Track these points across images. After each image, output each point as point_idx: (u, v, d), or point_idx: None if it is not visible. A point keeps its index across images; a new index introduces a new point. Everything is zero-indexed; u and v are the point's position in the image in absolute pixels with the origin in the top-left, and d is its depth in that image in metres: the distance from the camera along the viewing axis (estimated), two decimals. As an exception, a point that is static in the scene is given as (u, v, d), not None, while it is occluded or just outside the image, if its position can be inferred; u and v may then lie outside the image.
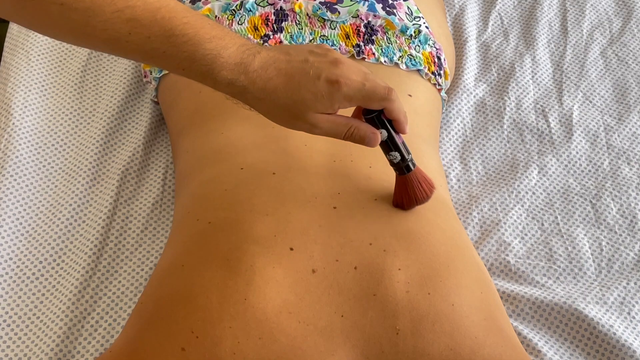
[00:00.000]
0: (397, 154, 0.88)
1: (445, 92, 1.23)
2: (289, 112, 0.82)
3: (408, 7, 1.17)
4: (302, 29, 1.13)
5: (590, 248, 1.12)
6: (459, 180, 1.21)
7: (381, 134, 0.86)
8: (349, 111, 0.86)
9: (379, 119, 0.85)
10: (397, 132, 0.87)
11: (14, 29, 1.36)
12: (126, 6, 0.77)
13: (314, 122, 0.82)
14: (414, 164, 0.89)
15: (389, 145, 0.87)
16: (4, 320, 1.00)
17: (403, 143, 0.88)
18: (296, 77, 0.81)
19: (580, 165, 1.23)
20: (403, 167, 0.89)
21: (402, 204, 0.91)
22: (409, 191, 0.89)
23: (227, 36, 0.81)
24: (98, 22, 0.76)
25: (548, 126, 1.28)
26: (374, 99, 0.83)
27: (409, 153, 0.88)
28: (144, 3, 0.78)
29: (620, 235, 1.14)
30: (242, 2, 1.13)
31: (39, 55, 1.30)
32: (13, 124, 1.20)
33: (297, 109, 0.81)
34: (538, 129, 1.27)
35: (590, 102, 1.32)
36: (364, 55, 1.11)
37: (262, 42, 1.11)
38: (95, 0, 0.75)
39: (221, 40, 0.80)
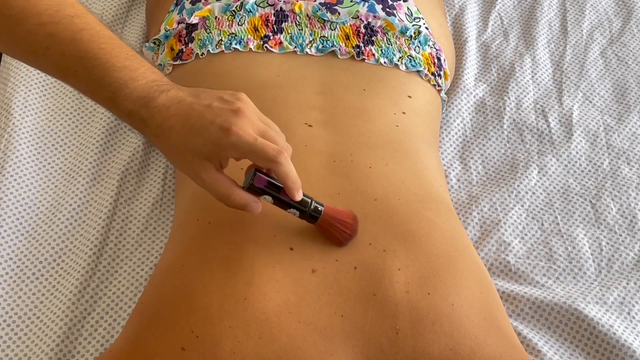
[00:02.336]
0: (293, 210, 0.84)
1: (445, 92, 1.23)
2: (179, 155, 0.82)
3: (408, 8, 1.17)
4: (302, 29, 1.13)
5: (590, 248, 1.12)
6: (459, 180, 1.21)
7: (266, 199, 0.83)
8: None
9: (254, 188, 0.82)
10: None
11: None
12: (51, 21, 0.80)
13: (198, 171, 0.81)
14: (318, 210, 0.84)
15: (280, 205, 0.84)
16: (4, 320, 1.01)
17: (291, 210, 0.84)
18: (192, 120, 0.80)
19: (580, 165, 1.23)
20: (308, 217, 0.85)
21: (336, 243, 0.87)
22: (330, 235, 0.86)
23: (141, 69, 0.82)
24: (21, 31, 0.79)
25: (548, 126, 1.28)
26: (260, 157, 0.80)
27: (307, 203, 0.84)
28: (69, 22, 0.81)
29: (620, 235, 1.14)
30: (242, 3, 1.13)
31: (39, 55, 1.30)
32: (13, 124, 1.20)
33: (188, 154, 0.81)
34: (538, 129, 1.28)
35: (590, 102, 1.32)
36: (363, 56, 1.11)
37: (262, 42, 1.11)
38: (24, 10, 0.78)
39: (132, 72, 0.81)
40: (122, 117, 0.83)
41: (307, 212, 0.84)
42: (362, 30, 1.13)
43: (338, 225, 0.85)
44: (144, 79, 0.82)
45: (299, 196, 0.83)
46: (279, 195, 0.83)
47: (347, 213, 0.86)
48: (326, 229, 0.85)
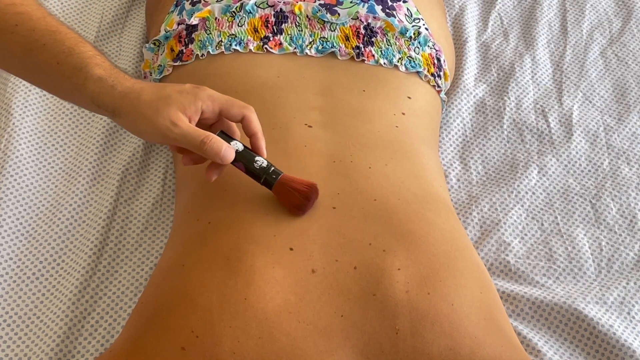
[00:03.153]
0: (260, 159, 0.88)
1: (445, 93, 1.23)
2: (152, 106, 0.85)
3: (407, 9, 1.17)
4: (301, 30, 1.13)
5: (590, 248, 1.12)
6: (459, 180, 1.21)
7: (236, 145, 0.87)
8: None
9: (224, 136, 0.88)
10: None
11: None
12: (21, 3, 0.86)
13: (175, 119, 0.84)
14: (277, 175, 0.88)
15: (245, 156, 0.88)
16: (4, 320, 1.01)
17: (261, 158, 0.88)
18: (163, 84, 0.88)
19: (580, 165, 1.23)
20: (268, 178, 0.88)
21: (292, 211, 0.88)
22: (287, 200, 0.88)
23: (106, 56, 0.90)
24: None
25: (548, 126, 1.28)
26: (235, 105, 0.87)
27: (268, 166, 0.88)
28: (38, 7, 0.88)
29: (620, 235, 1.14)
30: (242, 4, 1.13)
31: (39, 55, 1.30)
32: (13, 124, 1.20)
33: (163, 102, 0.85)
34: (538, 129, 1.28)
35: (590, 102, 1.32)
36: (363, 57, 1.11)
37: (261, 43, 1.11)
38: None
39: (100, 53, 0.89)
40: (88, 83, 0.86)
41: (268, 173, 0.87)
42: (362, 31, 1.13)
43: (293, 192, 0.87)
44: (108, 59, 0.89)
45: (264, 151, 0.89)
46: (247, 148, 0.88)
47: (305, 182, 0.88)
48: (281, 194, 0.88)
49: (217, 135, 0.87)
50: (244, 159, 0.88)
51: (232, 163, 0.88)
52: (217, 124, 0.90)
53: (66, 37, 0.87)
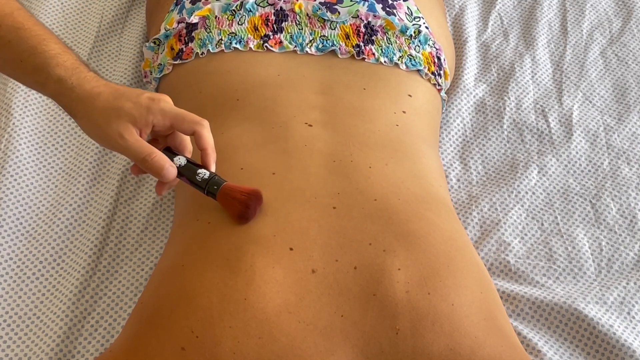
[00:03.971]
0: (203, 170, 0.88)
1: (445, 92, 1.23)
2: (104, 115, 0.85)
3: (408, 8, 1.17)
4: (302, 29, 1.13)
5: (590, 248, 1.12)
6: (459, 180, 1.21)
7: (178, 160, 0.88)
8: None
9: (170, 152, 0.89)
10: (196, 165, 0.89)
11: (14, 29, 1.37)
12: None
13: (122, 131, 0.85)
14: (220, 183, 0.87)
15: (188, 170, 0.88)
16: (4, 320, 1.01)
17: (202, 170, 0.88)
18: (121, 90, 0.88)
19: (580, 165, 1.23)
20: (213, 183, 0.88)
21: (236, 220, 0.88)
22: (231, 205, 0.88)
23: (73, 52, 0.90)
24: None
25: (548, 126, 1.28)
26: (186, 121, 0.87)
27: (212, 177, 0.88)
28: (6, 2, 0.88)
29: (620, 235, 1.14)
30: (242, 3, 1.13)
31: (39, 55, 1.30)
32: (13, 124, 1.20)
33: (114, 113, 0.85)
34: (538, 129, 1.28)
35: (590, 102, 1.32)
36: (363, 56, 1.11)
37: (262, 42, 1.11)
38: None
39: (66, 50, 0.89)
40: (49, 83, 0.87)
41: (211, 183, 0.87)
42: (362, 29, 1.13)
43: (233, 201, 0.87)
44: (76, 59, 0.89)
45: (213, 166, 0.88)
46: (190, 161, 0.89)
47: (245, 190, 0.88)
48: (224, 204, 0.88)
49: (163, 151, 0.88)
50: (187, 173, 0.88)
51: (177, 177, 0.88)
52: (170, 136, 0.90)
53: (30, 35, 0.88)
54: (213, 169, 0.88)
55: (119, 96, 0.86)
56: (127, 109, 0.85)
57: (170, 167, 0.86)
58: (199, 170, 0.88)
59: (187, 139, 0.91)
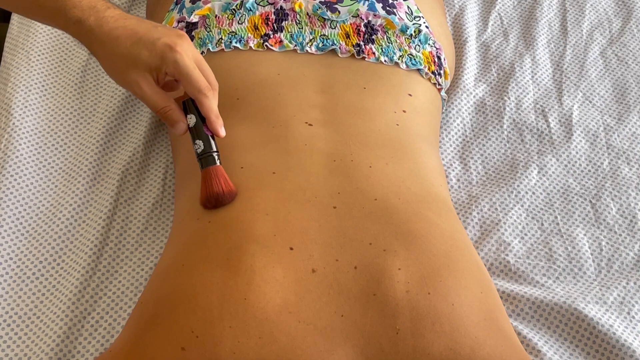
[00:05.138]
0: (200, 142, 0.90)
1: (445, 92, 1.23)
2: (122, 62, 0.87)
3: (408, 7, 1.17)
4: (302, 28, 1.13)
5: (590, 248, 1.12)
6: (459, 180, 1.21)
7: (189, 120, 0.90)
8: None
9: (189, 105, 0.90)
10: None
11: (14, 29, 1.37)
12: None
13: (139, 81, 0.87)
14: (214, 162, 0.90)
15: (194, 133, 0.90)
16: (4, 320, 1.01)
17: (211, 137, 0.91)
18: (139, 34, 0.87)
19: (580, 165, 1.23)
20: (203, 160, 0.90)
21: (202, 200, 0.91)
22: (205, 186, 0.90)
23: None
24: None
25: (548, 126, 1.28)
26: (193, 85, 0.88)
27: (212, 148, 0.90)
28: None
29: (620, 235, 1.14)
30: (242, 2, 1.13)
31: (39, 55, 1.31)
32: (13, 124, 1.20)
33: (132, 62, 0.86)
34: (538, 129, 1.28)
35: (590, 102, 1.32)
36: (364, 55, 1.11)
37: (262, 41, 1.11)
38: None
39: None
40: (69, 26, 0.87)
41: (210, 152, 0.90)
42: (363, 28, 1.13)
43: (222, 182, 0.89)
44: None
45: (222, 132, 0.91)
46: (203, 123, 0.91)
47: (221, 186, 0.89)
48: (212, 179, 0.89)
49: (185, 102, 0.91)
50: (192, 134, 0.91)
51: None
52: None
53: None
54: (221, 133, 0.91)
55: (136, 42, 0.86)
56: (143, 57, 0.86)
57: (181, 124, 0.90)
58: (197, 141, 0.90)
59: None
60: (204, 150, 0.90)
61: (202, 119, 0.91)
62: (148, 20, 0.91)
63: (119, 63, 0.87)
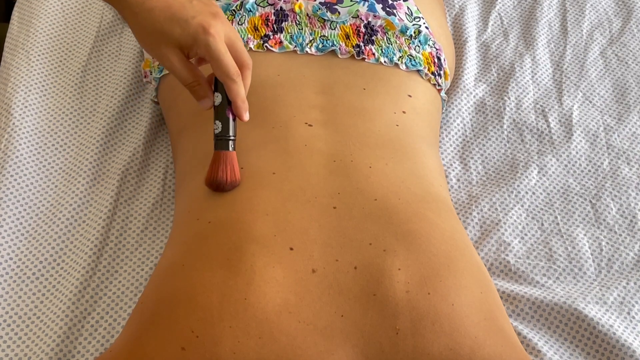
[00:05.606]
0: (219, 124, 0.91)
1: (445, 92, 1.23)
2: (153, 36, 0.87)
3: (408, 8, 1.17)
4: (302, 29, 1.13)
5: (590, 248, 1.12)
6: (459, 180, 1.21)
7: (216, 98, 0.91)
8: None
9: (218, 83, 0.91)
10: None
11: (14, 28, 1.37)
12: None
13: (169, 55, 0.87)
14: (229, 147, 0.91)
15: (216, 112, 0.91)
16: (4, 320, 1.01)
17: (233, 121, 0.91)
18: (174, 8, 0.87)
19: (580, 165, 1.23)
20: (218, 142, 0.91)
21: (206, 180, 0.92)
22: (212, 168, 0.91)
23: None
24: None
25: (548, 126, 1.28)
26: (222, 69, 0.88)
27: (230, 133, 0.91)
28: None
29: (620, 235, 1.14)
30: (242, 3, 1.13)
31: (39, 55, 1.31)
32: (13, 124, 1.20)
33: (163, 37, 0.86)
34: (538, 129, 1.28)
35: (590, 102, 1.32)
36: (364, 56, 1.11)
37: (262, 42, 1.11)
38: None
39: None
40: None
41: (227, 137, 0.91)
42: (362, 29, 1.13)
43: (229, 170, 0.91)
44: None
45: (246, 116, 0.91)
46: (228, 106, 0.91)
47: (232, 174, 0.91)
48: (220, 162, 0.91)
49: (216, 78, 0.91)
50: (214, 113, 0.92)
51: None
52: None
53: None
54: (245, 118, 0.91)
55: (169, 17, 0.86)
56: (176, 35, 0.86)
57: (207, 101, 0.91)
58: (216, 122, 0.91)
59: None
60: (221, 133, 0.91)
61: (227, 99, 0.91)
62: None
63: (151, 36, 0.87)
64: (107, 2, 0.90)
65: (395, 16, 1.14)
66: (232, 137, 0.92)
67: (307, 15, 1.13)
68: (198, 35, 0.86)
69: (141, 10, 0.86)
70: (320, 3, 1.13)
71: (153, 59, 1.18)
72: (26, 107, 1.22)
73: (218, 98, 0.91)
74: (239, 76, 0.89)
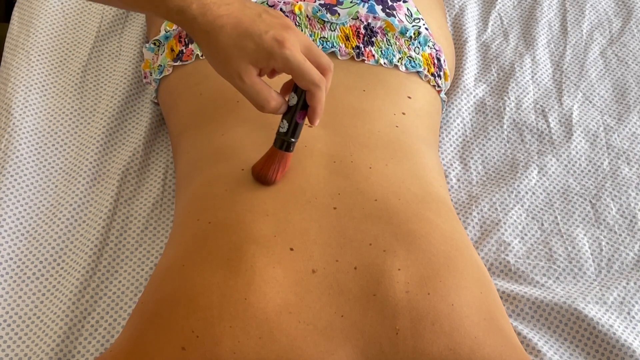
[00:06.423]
0: (286, 124, 0.89)
1: (445, 93, 1.23)
2: (226, 53, 0.84)
3: (408, 9, 1.17)
4: (301, 30, 1.13)
5: (590, 248, 1.12)
6: (459, 180, 1.21)
7: (291, 98, 0.89)
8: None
9: (296, 86, 0.88)
10: (305, 115, 0.90)
11: (14, 28, 1.37)
12: None
13: (243, 73, 0.84)
14: (289, 148, 0.90)
15: (287, 112, 0.89)
16: (4, 320, 1.01)
17: (300, 125, 0.90)
18: (245, 24, 0.84)
19: (580, 165, 1.23)
20: (280, 141, 0.90)
21: (254, 169, 0.92)
22: (266, 162, 0.91)
23: None
24: None
25: (548, 126, 1.28)
26: (305, 78, 0.85)
27: (294, 137, 0.90)
28: None
29: (620, 235, 1.14)
30: (242, 3, 1.13)
31: (39, 55, 1.31)
32: (13, 124, 1.20)
33: (236, 54, 0.84)
34: (538, 129, 1.28)
35: (590, 102, 1.32)
36: (363, 57, 1.11)
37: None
38: None
39: None
40: (171, 15, 0.85)
41: (289, 139, 0.90)
42: (362, 31, 1.13)
43: (279, 170, 0.91)
44: None
45: (316, 122, 0.89)
46: (299, 108, 0.89)
47: (280, 176, 0.92)
48: (274, 161, 0.91)
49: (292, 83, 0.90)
50: (286, 112, 0.90)
51: None
52: None
53: None
54: (316, 124, 0.90)
55: (242, 33, 0.84)
56: (249, 50, 0.83)
57: (283, 106, 0.88)
58: (282, 121, 0.90)
59: None
60: (285, 134, 0.90)
61: (301, 104, 0.89)
62: (249, 3, 0.87)
63: (223, 53, 0.84)
64: (176, 23, 0.87)
65: (395, 17, 1.14)
66: (294, 140, 0.91)
67: (307, 16, 1.13)
68: (274, 49, 0.83)
69: (212, 28, 0.84)
70: (320, 4, 1.13)
71: (153, 60, 1.18)
72: (26, 107, 1.22)
73: (293, 99, 0.89)
74: (324, 81, 0.86)
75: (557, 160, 1.23)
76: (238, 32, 0.84)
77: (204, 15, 0.83)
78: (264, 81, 0.87)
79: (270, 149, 0.92)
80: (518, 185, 1.19)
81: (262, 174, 0.91)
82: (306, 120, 0.91)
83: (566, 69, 1.37)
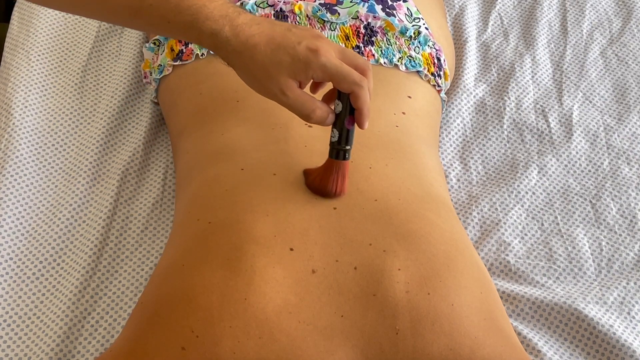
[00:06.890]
0: (337, 132, 0.88)
1: (445, 93, 1.23)
2: (264, 70, 0.83)
3: (408, 9, 1.17)
4: (301, 29, 1.13)
5: (590, 248, 1.12)
6: (459, 180, 1.21)
7: (336, 106, 0.87)
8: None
9: (342, 93, 0.86)
10: (353, 120, 0.88)
11: (14, 29, 1.37)
12: None
13: (284, 88, 0.83)
14: (345, 156, 0.89)
15: (335, 121, 0.88)
16: (4, 320, 1.01)
17: (351, 131, 0.88)
18: (277, 39, 0.83)
19: (580, 165, 1.23)
20: (334, 150, 0.89)
21: (312, 184, 0.91)
22: (324, 175, 0.89)
23: None
24: None
25: (548, 126, 1.28)
26: (346, 80, 0.84)
27: (348, 143, 0.89)
28: None
29: (620, 235, 1.14)
30: (242, 4, 1.13)
31: (39, 55, 1.31)
32: (13, 124, 1.20)
33: (274, 69, 0.83)
34: (538, 129, 1.28)
35: (590, 102, 1.32)
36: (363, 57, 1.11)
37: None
38: None
39: None
40: (203, 39, 0.84)
41: (343, 147, 0.88)
42: (362, 30, 1.13)
43: (339, 180, 0.89)
44: (219, 0, 0.85)
45: (366, 125, 0.87)
46: (348, 115, 0.87)
47: (341, 185, 0.90)
48: (332, 172, 0.89)
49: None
50: (335, 119, 0.89)
51: None
52: None
53: None
54: (365, 126, 0.87)
55: (276, 48, 0.83)
56: (285, 64, 0.83)
57: (331, 116, 0.87)
58: (334, 130, 0.88)
59: None
60: (338, 142, 0.88)
61: (348, 109, 0.87)
62: (279, 22, 0.88)
63: (261, 71, 0.83)
64: (208, 47, 0.86)
65: (395, 17, 1.14)
66: (348, 148, 0.89)
67: (307, 16, 1.13)
68: (309, 59, 0.82)
69: (246, 48, 0.83)
70: (320, 4, 1.13)
71: (153, 59, 1.18)
72: (26, 107, 1.22)
73: (338, 106, 0.87)
74: (365, 80, 0.85)
75: (557, 160, 1.23)
76: (272, 47, 0.83)
77: (236, 36, 0.83)
78: (306, 92, 0.86)
79: (326, 160, 0.90)
80: (518, 185, 1.19)
81: (322, 187, 0.90)
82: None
83: (566, 69, 1.37)
